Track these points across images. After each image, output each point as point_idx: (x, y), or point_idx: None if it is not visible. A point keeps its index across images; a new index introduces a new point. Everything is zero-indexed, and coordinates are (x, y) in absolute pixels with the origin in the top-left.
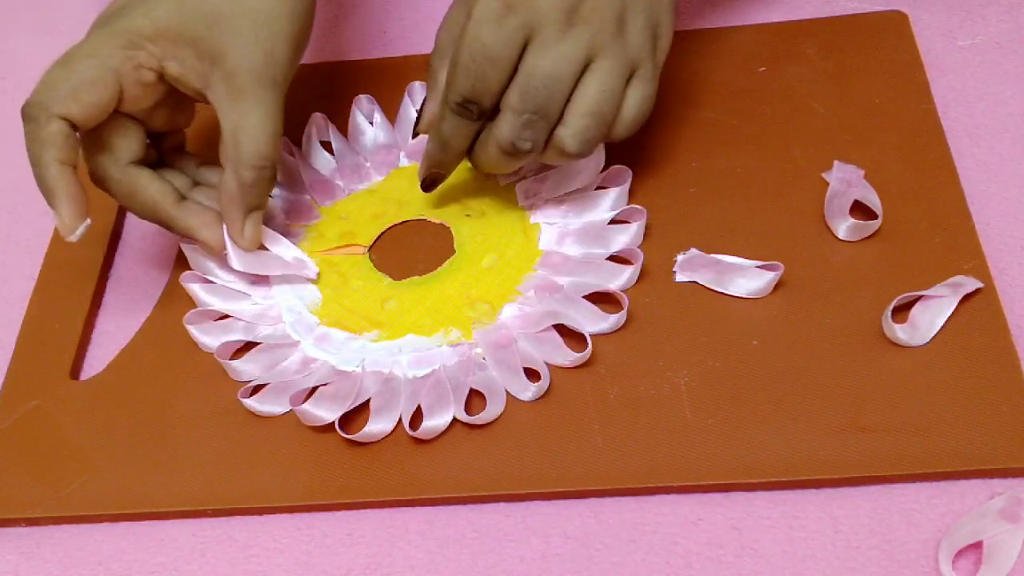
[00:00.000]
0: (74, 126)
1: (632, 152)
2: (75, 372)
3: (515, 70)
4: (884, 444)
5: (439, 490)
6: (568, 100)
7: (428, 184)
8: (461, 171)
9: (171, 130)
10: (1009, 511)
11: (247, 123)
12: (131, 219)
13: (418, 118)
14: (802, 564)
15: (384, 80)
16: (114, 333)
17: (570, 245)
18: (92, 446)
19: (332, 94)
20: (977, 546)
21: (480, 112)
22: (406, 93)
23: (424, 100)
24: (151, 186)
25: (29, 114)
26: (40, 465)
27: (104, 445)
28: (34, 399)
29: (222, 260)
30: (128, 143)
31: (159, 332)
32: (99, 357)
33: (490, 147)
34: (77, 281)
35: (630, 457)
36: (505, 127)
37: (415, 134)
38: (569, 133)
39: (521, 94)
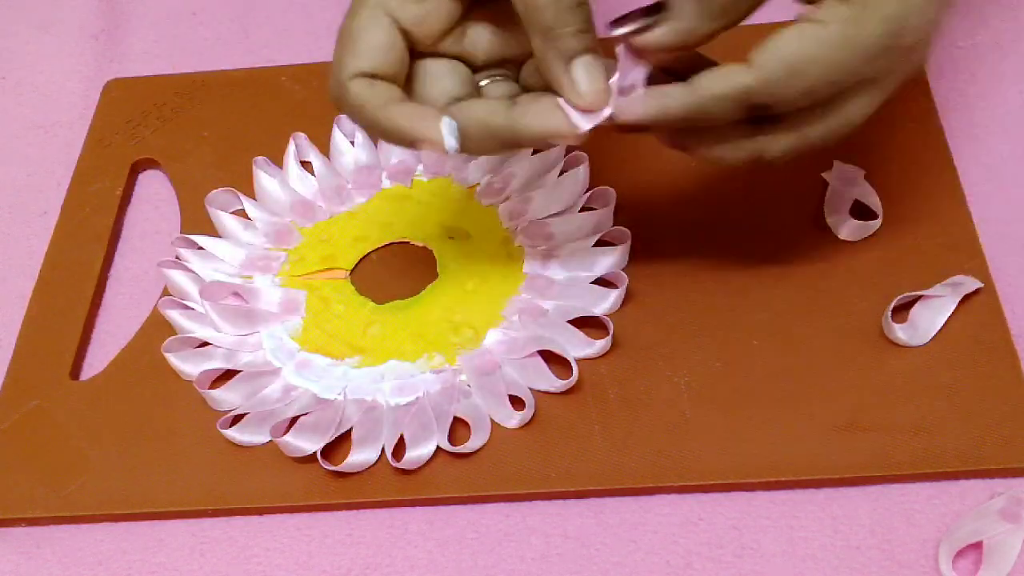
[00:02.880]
0: None
1: (631, 152)
2: (75, 372)
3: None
4: (884, 444)
5: (439, 490)
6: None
7: (623, 22)
8: (443, 195)
9: None
10: (1009, 511)
11: None
12: (131, 219)
13: (624, 17)
14: (802, 564)
15: None
16: (114, 333)
17: (554, 268)
18: (92, 446)
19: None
20: (977, 546)
21: (757, 120)
22: None
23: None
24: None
25: None
26: (40, 465)
27: (104, 445)
28: (34, 399)
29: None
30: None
31: (159, 332)
32: (99, 357)
33: (743, 153)
34: (77, 281)
35: (630, 457)
36: (782, 147)
37: (617, 28)
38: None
39: (827, 134)
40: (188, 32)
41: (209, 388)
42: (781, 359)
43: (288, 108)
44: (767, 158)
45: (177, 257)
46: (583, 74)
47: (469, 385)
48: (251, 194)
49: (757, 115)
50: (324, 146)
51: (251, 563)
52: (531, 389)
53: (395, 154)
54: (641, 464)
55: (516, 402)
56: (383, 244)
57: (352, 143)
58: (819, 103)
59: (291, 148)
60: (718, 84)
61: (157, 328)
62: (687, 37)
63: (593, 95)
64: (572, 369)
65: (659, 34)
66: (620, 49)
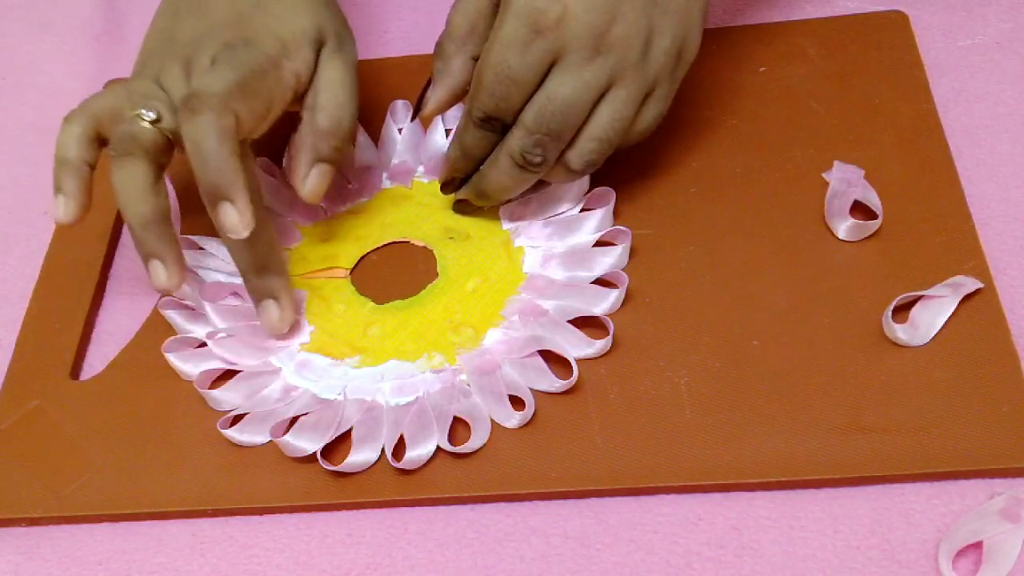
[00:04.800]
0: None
1: (631, 152)
2: (75, 372)
3: (538, 87)
4: (884, 444)
5: (439, 490)
6: (582, 123)
7: (447, 186)
8: (443, 196)
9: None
10: (1009, 511)
11: (340, 76)
12: None
13: (420, 102)
14: (802, 564)
15: (384, 80)
16: (114, 333)
17: (554, 268)
18: (92, 446)
19: None
20: (977, 546)
21: (503, 127)
22: (388, 113)
23: (428, 84)
24: None
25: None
26: (40, 465)
27: (104, 445)
28: (34, 399)
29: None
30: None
31: (159, 332)
32: (99, 357)
33: (502, 160)
34: (77, 281)
35: (630, 457)
36: (516, 142)
37: (414, 117)
38: (575, 154)
39: (537, 115)
40: None
41: (209, 388)
42: (781, 359)
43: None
44: (514, 156)
45: None
46: (317, 177)
47: (469, 385)
48: None
49: (504, 128)
50: None
51: (251, 563)
52: (531, 389)
53: (396, 155)
54: (641, 464)
55: (516, 402)
56: (383, 244)
57: (352, 143)
58: (524, 96)
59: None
60: (461, 120)
61: (157, 328)
62: (454, 88)
63: (312, 195)
64: (572, 369)
65: (428, 109)
66: None
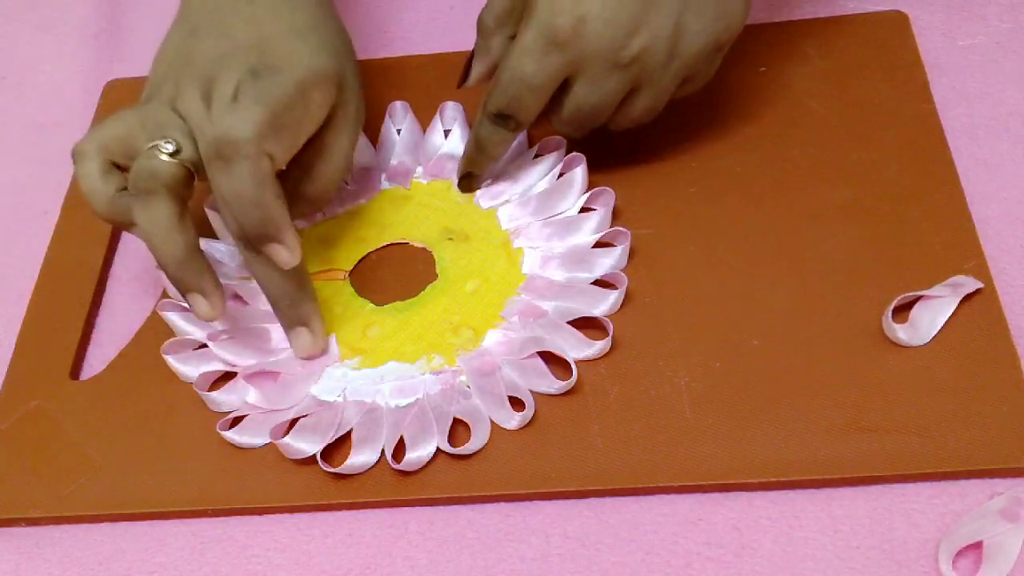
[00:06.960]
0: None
1: (632, 153)
2: (75, 372)
3: (553, 93)
4: (884, 444)
5: (439, 490)
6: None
7: (463, 182)
8: (442, 197)
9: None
10: (1009, 511)
11: (343, 145)
12: None
13: (465, 73)
14: (802, 564)
15: (384, 80)
16: (114, 333)
17: (554, 269)
18: (92, 446)
19: None
20: (977, 546)
21: (516, 124)
22: (387, 114)
23: (471, 57)
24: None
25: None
26: (40, 465)
27: (104, 445)
28: (34, 399)
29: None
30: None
31: (159, 332)
32: (99, 357)
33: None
34: (77, 281)
35: (630, 457)
36: (557, 124)
37: (459, 85)
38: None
39: (571, 117)
40: None
41: (208, 390)
42: (781, 359)
43: None
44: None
45: None
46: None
47: (469, 386)
48: None
49: (516, 125)
50: None
51: (251, 563)
52: (530, 391)
53: (394, 156)
54: (641, 464)
55: (516, 403)
56: (382, 245)
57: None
58: (539, 100)
59: None
60: (478, 114)
61: (157, 329)
62: (491, 65)
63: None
64: (572, 370)
65: (471, 80)
66: None
